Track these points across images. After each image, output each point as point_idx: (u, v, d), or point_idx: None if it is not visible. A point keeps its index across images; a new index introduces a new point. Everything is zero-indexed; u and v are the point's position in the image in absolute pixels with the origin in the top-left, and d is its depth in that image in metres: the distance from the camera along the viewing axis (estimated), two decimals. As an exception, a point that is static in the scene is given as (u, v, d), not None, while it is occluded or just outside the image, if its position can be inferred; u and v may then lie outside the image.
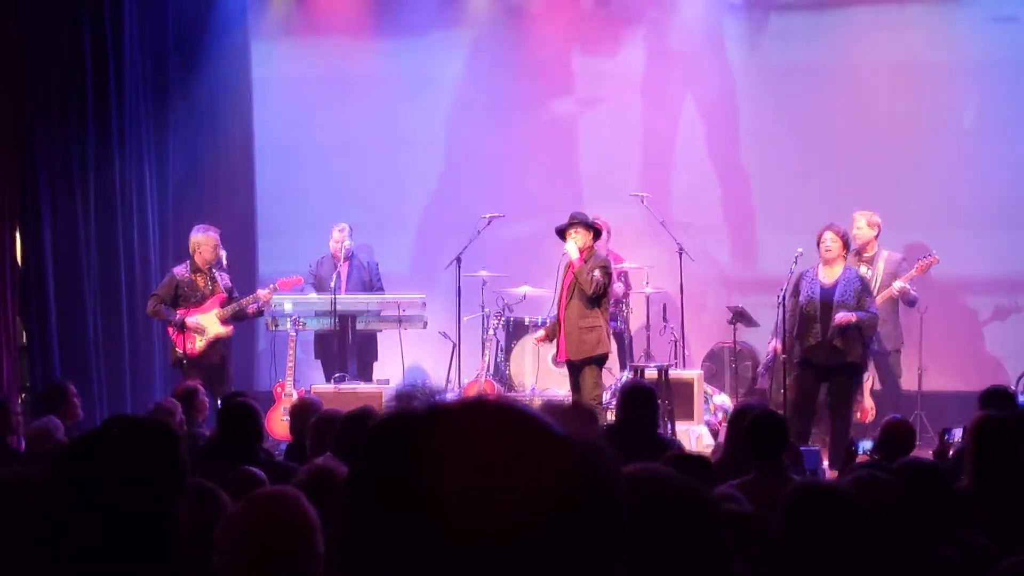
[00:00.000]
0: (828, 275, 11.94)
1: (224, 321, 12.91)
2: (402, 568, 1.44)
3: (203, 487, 4.25)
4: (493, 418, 1.49)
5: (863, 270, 13.27)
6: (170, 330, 12.88)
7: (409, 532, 1.43)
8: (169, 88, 15.04)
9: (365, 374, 13.97)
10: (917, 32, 15.08)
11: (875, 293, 13.14)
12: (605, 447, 1.53)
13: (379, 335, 14.32)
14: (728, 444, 7.81)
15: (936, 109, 15.02)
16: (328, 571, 3.58)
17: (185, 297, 12.83)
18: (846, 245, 12.01)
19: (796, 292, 12.07)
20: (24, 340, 13.37)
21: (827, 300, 11.83)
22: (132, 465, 2.74)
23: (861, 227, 13.28)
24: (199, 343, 12.82)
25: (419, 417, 1.50)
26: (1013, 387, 11.33)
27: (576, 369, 11.78)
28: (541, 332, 12.51)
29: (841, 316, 11.70)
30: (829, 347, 11.77)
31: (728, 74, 15.43)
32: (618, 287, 13.44)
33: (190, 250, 13.01)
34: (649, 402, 8.38)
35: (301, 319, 13.71)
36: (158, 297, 12.93)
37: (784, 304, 12.11)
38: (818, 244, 12.00)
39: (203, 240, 12.96)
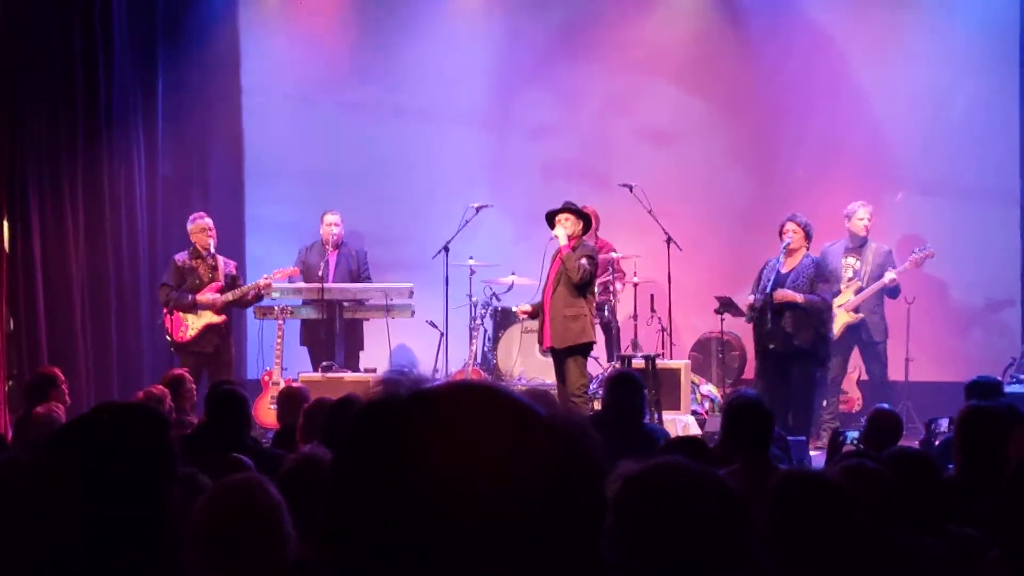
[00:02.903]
0: (787, 264, 12.02)
1: (216, 309, 13.00)
2: (389, 552, 1.44)
3: (184, 473, 4.26)
4: (476, 401, 1.50)
5: (851, 261, 13.32)
6: (166, 317, 12.94)
7: (395, 516, 1.44)
8: (158, 78, 15.00)
9: (352, 362, 13.97)
10: (909, 18, 15.10)
11: (865, 283, 13.19)
12: (587, 428, 1.54)
13: (365, 323, 14.32)
14: (723, 434, 7.80)
15: (927, 98, 15.04)
16: (317, 557, 3.59)
17: (184, 283, 12.97)
18: (807, 235, 12.08)
19: (757, 282, 12.15)
20: (11, 327, 13.34)
21: (779, 287, 11.89)
22: (122, 451, 2.75)
23: (866, 219, 13.34)
24: (190, 331, 12.95)
25: (403, 402, 1.51)
26: (999, 377, 11.33)
27: (560, 358, 11.77)
28: (527, 305, 12.44)
29: (781, 292, 11.76)
30: (781, 333, 11.82)
31: (719, 62, 15.42)
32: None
33: (190, 238, 13.34)
34: (635, 391, 8.38)
35: (288, 307, 13.73)
36: (168, 286, 13.07)
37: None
38: (780, 235, 12.10)
39: (191, 228, 13.34)
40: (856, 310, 13.27)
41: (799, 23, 15.32)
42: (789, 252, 12.05)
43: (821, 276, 12.10)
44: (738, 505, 2.96)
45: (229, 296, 13.11)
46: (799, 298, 11.78)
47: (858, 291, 13.24)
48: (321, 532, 1.54)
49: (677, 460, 3.07)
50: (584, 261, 11.59)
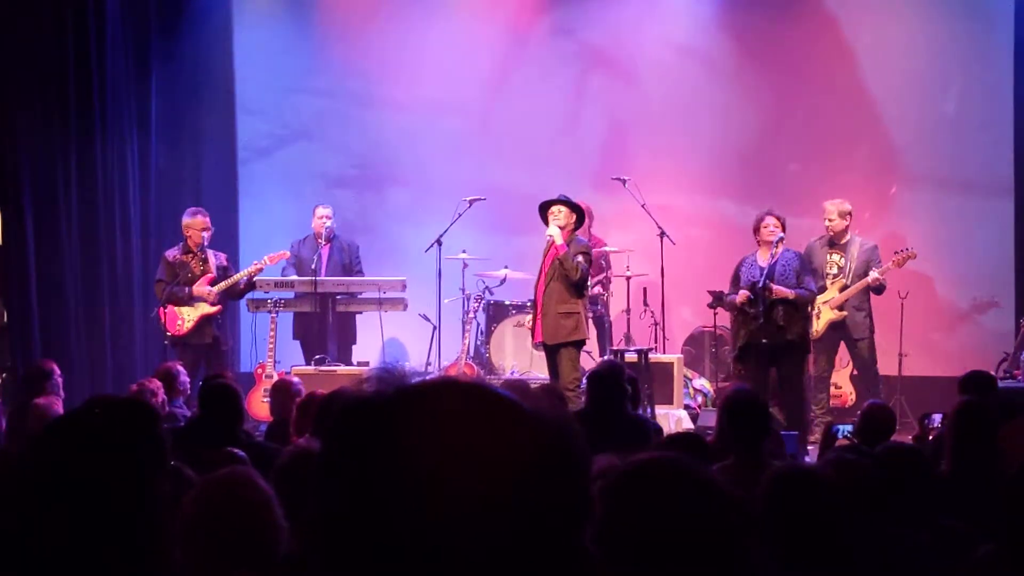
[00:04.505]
0: (764, 258, 11.97)
1: (212, 301, 13.01)
2: (373, 547, 1.44)
3: (170, 467, 4.26)
4: (461, 397, 1.50)
5: (835, 258, 13.30)
6: (160, 312, 12.92)
7: (378, 511, 1.44)
8: (152, 70, 14.98)
9: (345, 355, 13.96)
10: (903, 16, 15.10)
11: (849, 280, 13.16)
12: (570, 421, 1.54)
13: (358, 317, 14.31)
14: (718, 427, 7.78)
15: (920, 90, 15.04)
16: (303, 552, 3.59)
17: (177, 278, 12.97)
18: (784, 228, 12.05)
19: (736, 280, 12.12)
20: (4, 320, 13.34)
21: (770, 280, 11.86)
22: (113, 443, 2.74)
23: (834, 219, 13.28)
24: (187, 324, 12.94)
25: (387, 399, 1.50)
26: (993, 372, 11.34)
27: (553, 353, 11.77)
28: (529, 319, 12.52)
29: (779, 289, 11.73)
30: (773, 327, 11.80)
31: (714, 56, 15.42)
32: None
33: (183, 232, 13.20)
34: (613, 384, 8.36)
35: (281, 300, 13.73)
36: (163, 282, 13.05)
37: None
38: (757, 229, 12.06)
39: (190, 223, 13.25)
40: (840, 307, 13.23)
41: (802, 12, 15.32)
42: (767, 246, 12.01)
43: (806, 269, 12.12)
44: (732, 504, 2.96)
45: (223, 285, 13.11)
46: (791, 294, 11.77)
47: (843, 289, 13.21)
48: (306, 525, 1.54)
49: (672, 456, 3.06)
50: (580, 259, 11.60)
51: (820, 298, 12.98)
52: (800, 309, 11.93)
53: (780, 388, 11.94)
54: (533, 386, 10.08)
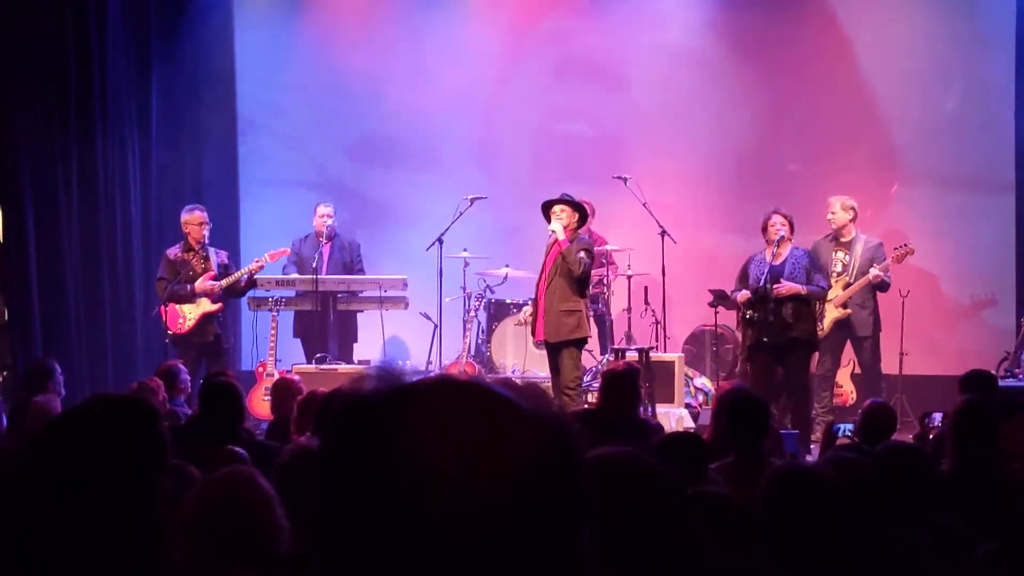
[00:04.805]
0: (776, 256, 11.98)
1: (214, 298, 13.02)
2: (370, 546, 1.44)
3: (172, 464, 4.26)
4: (458, 397, 1.50)
5: (840, 255, 13.31)
6: (161, 310, 12.92)
7: (375, 511, 1.44)
8: (152, 68, 14.98)
9: (346, 354, 13.96)
10: (904, 15, 15.09)
11: (853, 278, 13.17)
12: (570, 422, 1.54)
13: (359, 315, 14.31)
14: (713, 426, 7.79)
15: (921, 87, 15.03)
16: (304, 551, 3.59)
17: (178, 276, 12.97)
18: (792, 227, 12.07)
19: (744, 277, 12.12)
20: (5, 318, 13.34)
21: (776, 279, 11.86)
22: (113, 442, 2.74)
23: (836, 212, 13.33)
24: (188, 322, 12.95)
25: (384, 397, 1.50)
26: (994, 371, 11.33)
27: (555, 351, 11.76)
28: (527, 311, 12.52)
29: (788, 286, 11.73)
30: (781, 324, 11.80)
31: (715, 56, 15.40)
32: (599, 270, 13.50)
33: (182, 229, 13.20)
34: (630, 384, 8.38)
35: (282, 298, 13.73)
36: (164, 280, 13.04)
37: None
38: (765, 228, 12.08)
39: (188, 219, 13.27)
40: (844, 305, 13.24)
41: (803, 11, 15.30)
42: (774, 245, 12.03)
43: (816, 266, 12.14)
44: (680, 496, 2.97)
45: (224, 282, 13.11)
46: (803, 290, 11.78)
47: (846, 286, 13.22)
48: (306, 524, 1.54)
49: (620, 450, 3.06)
50: (583, 255, 11.60)
51: (825, 295, 13.03)
52: (810, 307, 11.97)
53: (786, 386, 11.95)
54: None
